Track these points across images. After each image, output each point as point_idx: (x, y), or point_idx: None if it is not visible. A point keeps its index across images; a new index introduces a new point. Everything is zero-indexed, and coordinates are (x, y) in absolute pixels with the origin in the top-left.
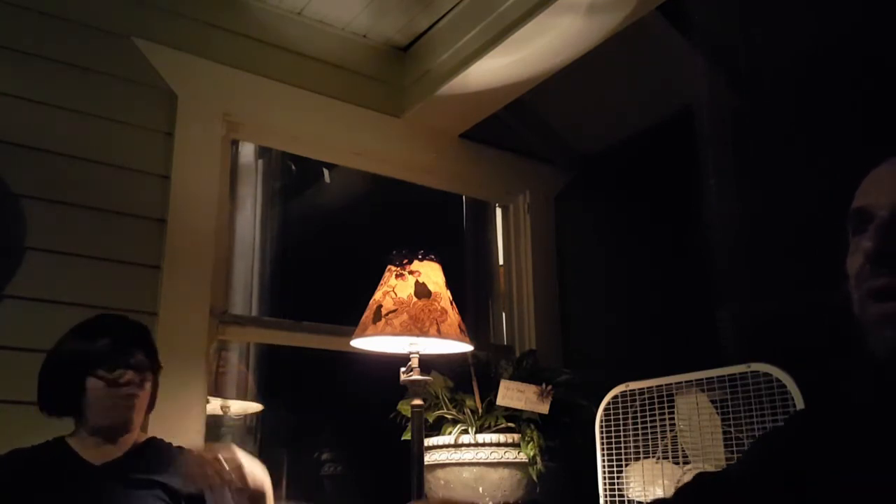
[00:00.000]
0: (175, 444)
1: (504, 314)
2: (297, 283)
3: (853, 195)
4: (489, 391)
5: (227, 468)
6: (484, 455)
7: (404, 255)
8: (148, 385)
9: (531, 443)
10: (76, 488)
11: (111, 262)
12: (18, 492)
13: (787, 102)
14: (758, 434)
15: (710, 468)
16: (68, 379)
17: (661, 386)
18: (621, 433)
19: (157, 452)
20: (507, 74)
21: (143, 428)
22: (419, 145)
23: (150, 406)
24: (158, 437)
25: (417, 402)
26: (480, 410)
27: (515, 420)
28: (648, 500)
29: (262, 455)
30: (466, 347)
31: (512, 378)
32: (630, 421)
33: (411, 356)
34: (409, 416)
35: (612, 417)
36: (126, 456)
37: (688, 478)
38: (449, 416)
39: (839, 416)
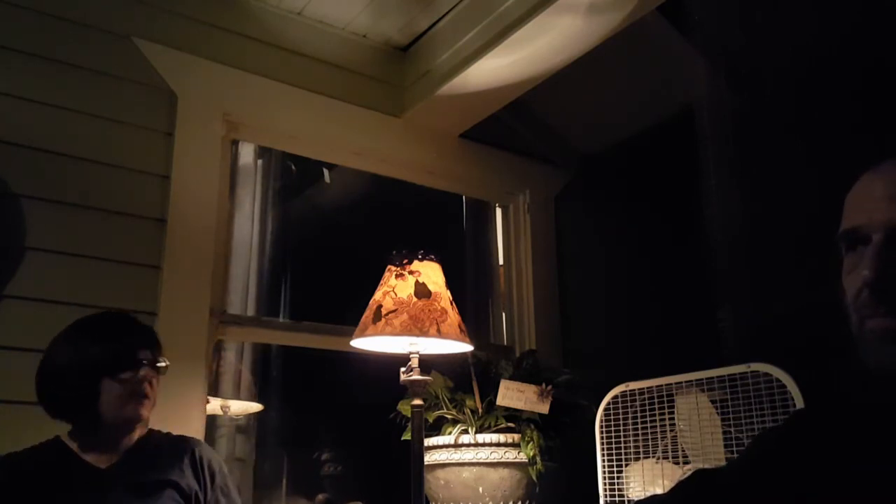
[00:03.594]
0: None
1: (504, 314)
2: (297, 282)
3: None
4: (489, 391)
5: None
6: (484, 455)
7: (404, 255)
8: (156, 383)
9: (531, 443)
10: (85, 495)
11: (111, 262)
12: (19, 500)
13: (787, 103)
14: (758, 434)
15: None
16: (83, 382)
17: (661, 386)
18: (621, 433)
19: (163, 447)
20: (507, 74)
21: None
22: (419, 145)
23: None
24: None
25: (417, 402)
26: (480, 410)
27: (515, 420)
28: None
29: (262, 455)
30: (466, 347)
31: (512, 378)
32: (630, 421)
33: (411, 356)
34: (409, 416)
35: (612, 417)
36: (129, 453)
37: None
38: (449, 416)
39: (838, 416)
